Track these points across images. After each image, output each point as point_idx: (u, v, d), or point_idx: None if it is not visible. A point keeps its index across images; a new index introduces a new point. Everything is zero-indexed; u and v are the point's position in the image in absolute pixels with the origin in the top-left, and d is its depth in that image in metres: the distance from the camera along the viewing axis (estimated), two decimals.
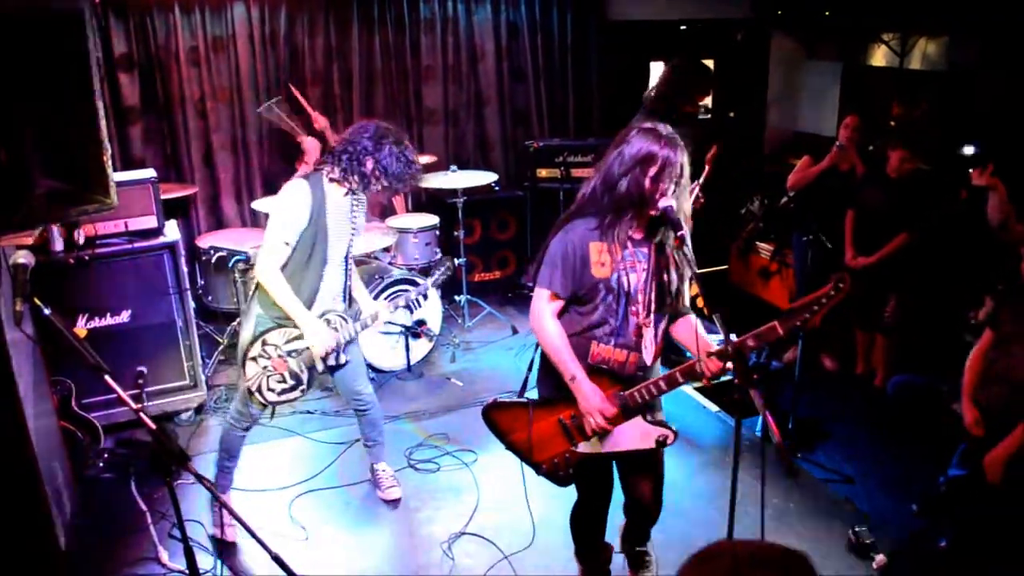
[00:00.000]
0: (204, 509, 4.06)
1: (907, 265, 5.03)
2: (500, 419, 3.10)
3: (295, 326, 3.63)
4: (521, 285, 7.23)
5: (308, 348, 3.67)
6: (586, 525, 3.41)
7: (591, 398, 2.84)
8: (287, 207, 3.55)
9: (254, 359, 3.65)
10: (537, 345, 3.04)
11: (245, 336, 3.72)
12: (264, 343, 3.64)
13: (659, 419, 2.99)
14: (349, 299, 3.92)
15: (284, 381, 3.69)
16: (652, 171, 2.70)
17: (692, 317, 2.99)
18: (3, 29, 2.66)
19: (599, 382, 2.88)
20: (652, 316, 2.88)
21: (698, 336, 2.87)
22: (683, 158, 2.72)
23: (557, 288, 2.87)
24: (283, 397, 3.75)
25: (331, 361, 3.77)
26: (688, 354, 2.98)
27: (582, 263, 2.82)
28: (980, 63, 6.02)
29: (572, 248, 2.82)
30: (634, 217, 2.78)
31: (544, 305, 2.91)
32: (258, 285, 3.66)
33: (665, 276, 2.86)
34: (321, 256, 3.63)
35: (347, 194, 3.69)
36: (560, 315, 2.95)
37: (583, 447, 2.99)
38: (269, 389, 3.70)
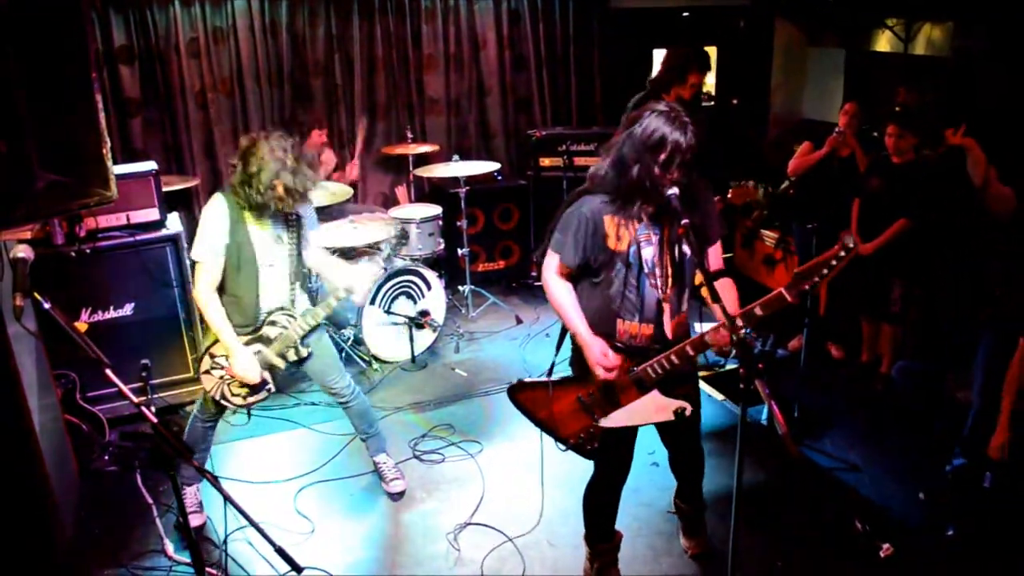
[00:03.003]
0: (211, 502, 4.06)
1: (912, 252, 5.00)
2: (525, 399, 3.20)
3: (244, 333, 3.66)
4: (526, 275, 7.23)
5: (260, 351, 3.69)
6: (599, 502, 3.41)
7: (592, 349, 2.92)
8: (204, 224, 3.54)
9: (208, 372, 3.69)
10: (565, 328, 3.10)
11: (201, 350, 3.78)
12: (212, 356, 3.67)
13: (682, 390, 3.02)
14: (311, 299, 3.93)
15: (245, 385, 3.71)
16: (662, 157, 2.73)
17: (728, 287, 3.00)
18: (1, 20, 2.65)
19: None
20: (671, 290, 2.94)
21: (723, 305, 2.77)
22: (692, 140, 2.73)
23: (568, 256, 2.94)
24: (251, 399, 3.76)
25: (290, 357, 3.76)
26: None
27: (595, 233, 2.88)
28: (984, 54, 5.97)
29: (584, 219, 2.88)
30: (644, 203, 2.83)
31: (552, 264, 3.01)
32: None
33: (678, 249, 2.91)
34: (251, 264, 3.59)
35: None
36: (578, 288, 3.04)
37: (604, 421, 3.05)
38: (233, 395, 3.73)
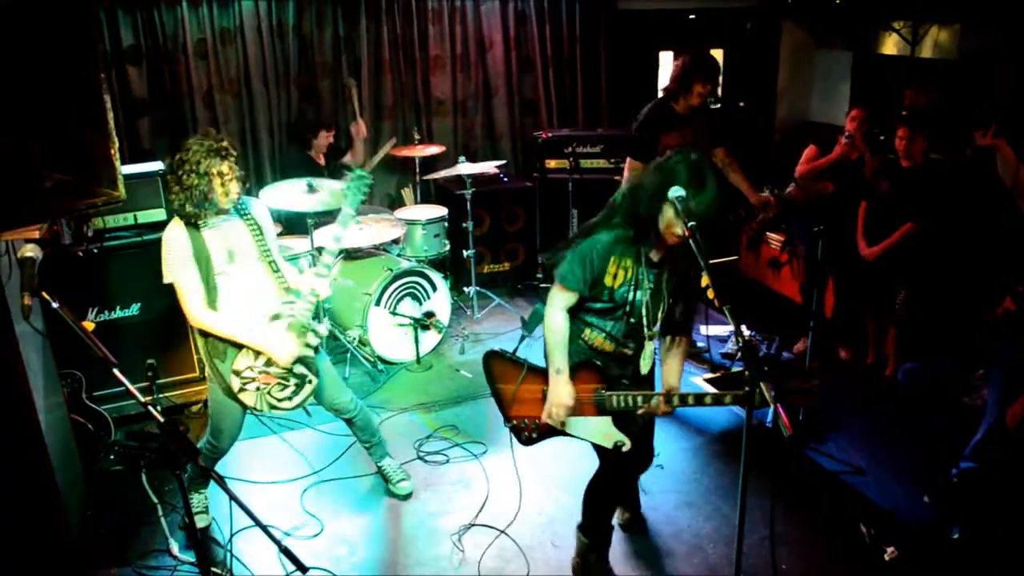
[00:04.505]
0: (216, 502, 4.07)
1: (919, 255, 4.99)
2: (496, 367, 3.40)
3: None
4: (532, 277, 7.23)
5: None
6: (601, 497, 3.52)
7: (562, 395, 3.11)
8: (168, 247, 3.43)
9: (243, 390, 3.55)
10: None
11: (220, 384, 3.59)
12: (237, 375, 3.53)
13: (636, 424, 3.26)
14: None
15: (286, 386, 3.61)
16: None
17: (679, 351, 3.32)
18: (9, 20, 2.66)
19: (588, 376, 3.17)
20: (656, 331, 3.16)
21: (667, 372, 3.27)
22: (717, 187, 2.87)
23: (572, 287, 3.07)
24: (299, 398, 3.65)
25: (312, 341, 3.62)
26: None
27: (601, 270, 3.02)
28: (997, 56, 5.96)
29: (594, 255, 3.02)
30: (657, 239, 2.97)
31: (559, 297, 3.14)
32: (197, 335, 3.63)
33: (669, 298, 3.12)
34: (225, 276, 3.52)
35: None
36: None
37: (550, 420, 3.24)
38: (280, 401, 3.62)
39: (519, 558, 3.75)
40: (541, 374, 3.28)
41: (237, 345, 3.52)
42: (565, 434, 3.29)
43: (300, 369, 3.62)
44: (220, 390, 3.61)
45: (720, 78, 5.18)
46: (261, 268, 3.64)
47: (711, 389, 5.23)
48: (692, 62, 4.87)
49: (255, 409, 3.62)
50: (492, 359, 3.41)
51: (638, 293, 3.04)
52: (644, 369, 3.25)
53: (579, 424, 3.23)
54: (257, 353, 3.54)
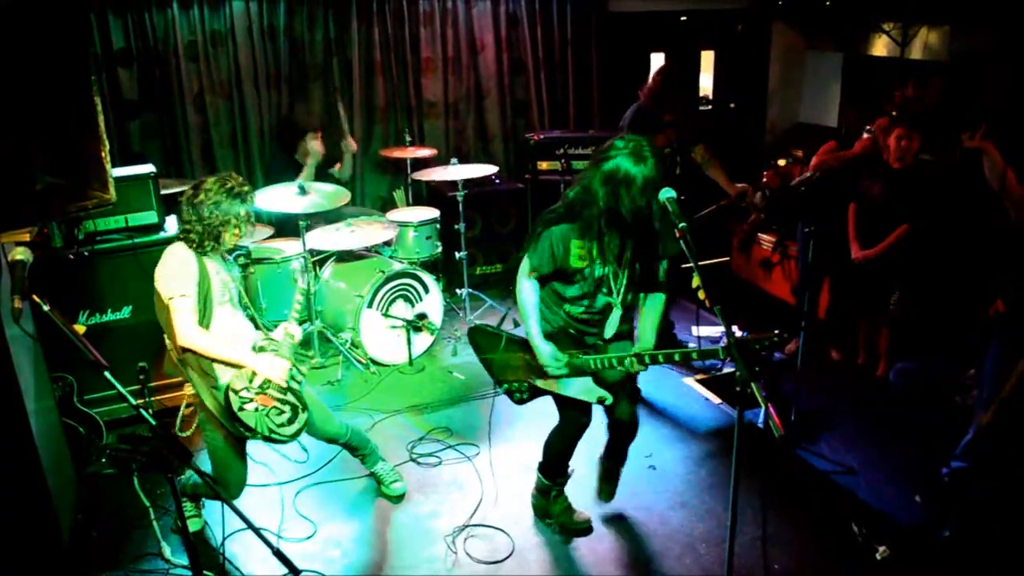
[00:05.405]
0: (209, 505, 4.06)
1: (913, 256, 5.00)
2: (481, 339, 3.78)
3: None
4: None
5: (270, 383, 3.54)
6: (560, 447, 3.84)
7: (544, 353, 3.45)
8: (173, 263, 3.41)
9: (243, 410, 3.44)
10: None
11: (220, 430, 3.51)
12: (235, 393, 3.43)
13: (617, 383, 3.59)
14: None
15: (282, 411, 3.54)
16: (630, 189, 3.11)
17: (655, 308, 3.54)
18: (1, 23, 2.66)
19: (562, 342, 3.49)
20: (620, 299, 3.45)
21: (642, 329, 3.53)
22: (655, 172, 3.11)
23: (541, 267, 3.43)
24: (296, 426, 3.57)
25: (298, 377, 3.62)
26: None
27: (564, 255, 3.36)
28: (987, 57, 5.99)
29: (554, 244, 3.36)
30: (611, 224, 3.23)
31: (525, 271, 3.49)
32: (183, 360, 3.49)
33: (636, 265, 3.37)
34: (223, 306, 3.53)
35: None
36: (544, 284, 3.54)
37: (539, 382, 3.64)
38: (279, 427, 3.52)
39: (513, 559, 3.75)
40: (520, 343, 3.62)
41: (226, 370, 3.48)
42: (552, 394, 3.64)
43: (292, 399, 3.59)
44: (221, 437, 3.53)
45: (686, 89, 5.35)
46: (240, 310, 3.67)
47: (703, 390, 5.25)
48: (669, 86, 5.05)
49: (255, 434, 3.48)
50: (476, 333, 3.80)
51: (605, 268, 3.37)
52: (607, 334, 3.54)
53: (565, 384, 3.55)
54: (251, 377, 3.48)
